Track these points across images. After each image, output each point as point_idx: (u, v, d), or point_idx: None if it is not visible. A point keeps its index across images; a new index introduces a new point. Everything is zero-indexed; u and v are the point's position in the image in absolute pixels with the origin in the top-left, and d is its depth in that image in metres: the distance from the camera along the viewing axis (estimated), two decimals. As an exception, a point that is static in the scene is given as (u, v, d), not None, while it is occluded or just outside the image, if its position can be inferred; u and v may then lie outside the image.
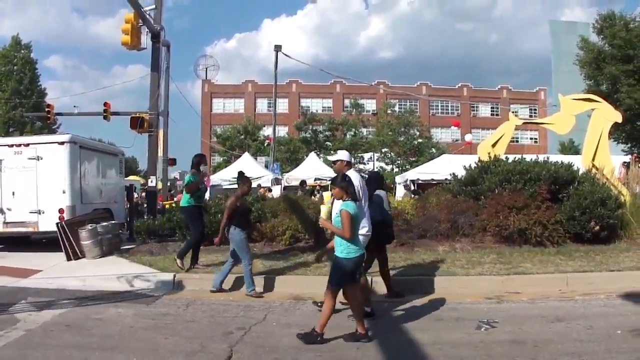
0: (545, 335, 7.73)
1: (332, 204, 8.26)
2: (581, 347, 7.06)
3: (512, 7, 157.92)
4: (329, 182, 8.46)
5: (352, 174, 8.73)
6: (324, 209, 8.12)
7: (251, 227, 10.93)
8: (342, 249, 7.61)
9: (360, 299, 8.03)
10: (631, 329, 7.75)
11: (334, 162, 9.49)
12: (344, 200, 7.70)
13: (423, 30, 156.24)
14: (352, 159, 9.45)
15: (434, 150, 57.41)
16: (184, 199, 12.85)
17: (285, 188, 33.81)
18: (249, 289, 10.52)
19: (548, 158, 15.79)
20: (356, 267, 7.71)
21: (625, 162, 22.16)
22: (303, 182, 27.76)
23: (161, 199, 33.09)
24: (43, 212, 16.20)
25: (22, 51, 54.54)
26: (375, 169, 54.13)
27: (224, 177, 37.13)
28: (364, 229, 8.55)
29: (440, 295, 10.28)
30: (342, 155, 9.39)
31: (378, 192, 10.08)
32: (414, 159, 54.64)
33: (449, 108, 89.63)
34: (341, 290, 7.78)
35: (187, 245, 12.80)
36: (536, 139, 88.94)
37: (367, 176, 11.49)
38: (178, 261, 12.26)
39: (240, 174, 11.54)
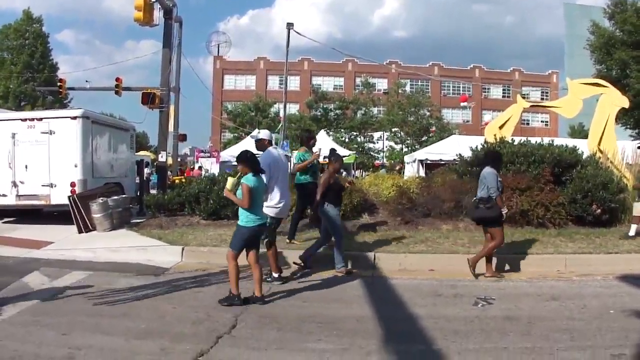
0: (539, 312, 7.96)
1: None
2: (573, 325, 7.28)
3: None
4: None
5: (271, 151, 10.03)
6: (230, 181, 8.74)
7: (342, 204, 10.97)
8: (242, 218, 8.48)
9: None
10: (623, 310, 7.96)
11: (257, 141, 10.51)
12: (245, 175, 8.56)
13: (438, 10, 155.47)
14: (273, 137, 10.24)
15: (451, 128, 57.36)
16: (298, 177, 12.69)
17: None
18: (339, 266, 10.53)
19: (553, 141, 15.90)
20: (256, 235, 8.64)
21: None
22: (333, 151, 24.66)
23: (189, 173, 33.25)
24: (55, 186, 16.45)
25: (34, 25, 54.71)
26: (385, 147, 54.33)
27: (234, 154, 37.39)
28: (272, 201, 9.77)
29: (441, 272, 10.56)
30: (264, 134, 10.61)
31: (485, 169, 10.43)
32: (423, 138, 54.64)
33: (461, 89, 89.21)
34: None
35: (291, 224, 12.79)
36: (547, 121, 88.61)
37: None
38: (295, 241, 12.42)
39: (332, 151, 11.72)
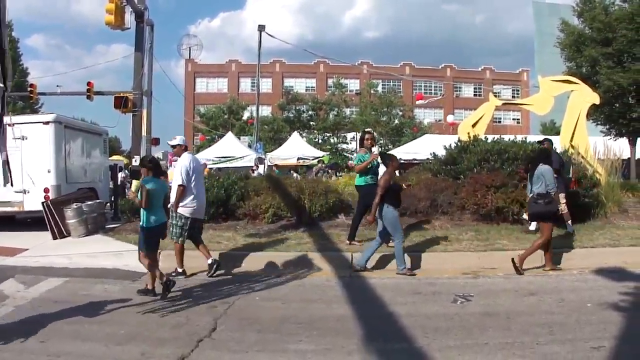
0: (518, 307, 8.05)
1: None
2: (552, 319, 7.37)
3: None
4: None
5: (186, 156, 10.58)
6: (134, 184, 9.24)
7: (401, 205, 11.14)
8: (142, 219, 9.15)
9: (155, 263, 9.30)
10: (600, 302, 8.08)
11: (174, 146, 11.00)
12: (145, 178, 9.25)
13: (408, 10, 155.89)
14: (186, 143, 10.70)
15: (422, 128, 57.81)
16: (359, 178, 12.57)
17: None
18: (401, 267, 10.49)
19: (525, 138, 16.04)
20: (155, 235, 9.19)
21: None
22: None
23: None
24: (28, 192, 16.22)
25: (3, 30, 54.00)
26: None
27: (208, 157, 37.27)
28: (187, 201, 10.40)
29: (419, 271, 10.62)
30: (180, 140, 11.00)
31: (541, 167, 10.61)
32: (396, 138, 54.92)
33: (433, 88, 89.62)
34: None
35: (352, 225, 12.66)
36: (519, 119, 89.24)
37: None
38: (355, 242, 12.25)
39: (384, 154, 11.65)
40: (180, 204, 10.34)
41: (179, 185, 10.29)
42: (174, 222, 10.39)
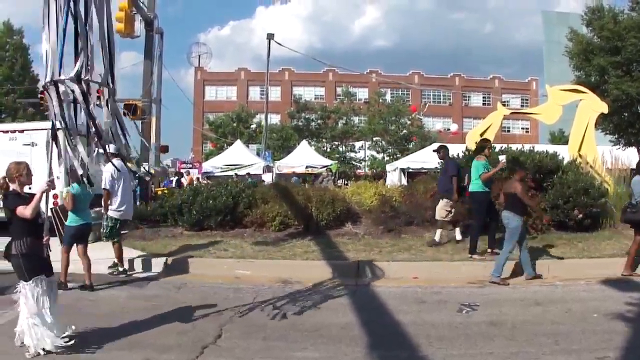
0: (523, 317, 8.03)
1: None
2: (557, 329, 7.37)
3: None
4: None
5: (114, 163, 10.78)
6: (65, 190, 10.46)
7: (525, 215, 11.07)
8: (69, 219, 10.38)
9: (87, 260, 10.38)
10: (607, 313, 8.06)
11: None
12: (73, 184, 10.38)
13: (417, 19, 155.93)
14: (116, 150, 11.16)
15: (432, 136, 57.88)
16: (474, 185, 12.28)
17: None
18: (495, 275, 10.36)
19: (533, 147, 15.99)
20: (79, 233, 10.36)
21: None
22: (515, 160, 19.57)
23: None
24: (37, 197, 16.24)
25: (14, 37, 54.08)
26: (367, 157, 54.47)
27: (216, 165, 37.36)
28: (115, 205, 11.48)
29: (425, 280, 10.58)
30: (111, 148, 11.19)
31: (635, 177, 11.09)
32: (406, 144, 54.93)
33: (441, 97, 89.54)
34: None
35: (471, 236, 12.26)
36: (527, 128, 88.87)
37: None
38: (476, 256, 11.87)
39: (516, 160, 11.69)
40: (110, 208, 11.43)
41: (103, 189, 11.42)
42: (104, 223, 11.62)
